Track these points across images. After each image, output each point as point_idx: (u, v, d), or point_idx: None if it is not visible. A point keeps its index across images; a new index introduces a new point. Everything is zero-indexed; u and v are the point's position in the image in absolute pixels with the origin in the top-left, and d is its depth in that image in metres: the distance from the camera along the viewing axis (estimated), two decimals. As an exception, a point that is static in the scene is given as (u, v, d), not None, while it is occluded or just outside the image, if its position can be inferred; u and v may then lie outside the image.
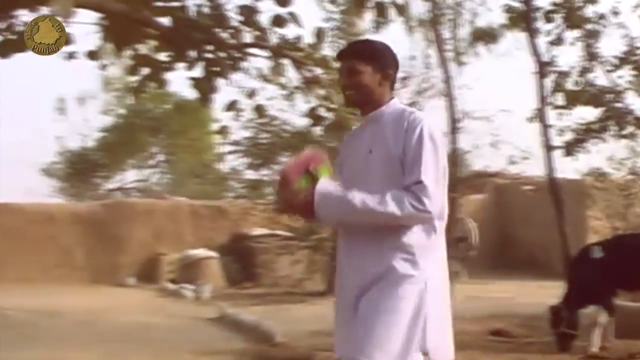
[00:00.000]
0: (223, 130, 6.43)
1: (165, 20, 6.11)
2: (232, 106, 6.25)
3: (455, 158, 9.51)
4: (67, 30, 5.92)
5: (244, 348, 8.72)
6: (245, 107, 6.61)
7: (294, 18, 6.07)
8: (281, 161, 10.07)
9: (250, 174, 11.43)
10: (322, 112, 6.44)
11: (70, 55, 6.60)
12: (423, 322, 3.10)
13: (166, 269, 17.57)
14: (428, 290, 3.14)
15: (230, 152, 10.67)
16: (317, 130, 7.94)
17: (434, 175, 3.12)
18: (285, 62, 6.14)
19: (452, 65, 11.88)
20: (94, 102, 50.82)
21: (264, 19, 6.24)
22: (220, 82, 6.09)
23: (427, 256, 3.18)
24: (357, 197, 3.10)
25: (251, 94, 6.40)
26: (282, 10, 6.09)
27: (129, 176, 30.39)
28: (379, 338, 3.07)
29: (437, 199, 3.12)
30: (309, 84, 6.00)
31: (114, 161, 29.74)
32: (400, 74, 3.65)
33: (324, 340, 9.00)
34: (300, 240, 14.28)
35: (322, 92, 6.13)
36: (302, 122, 8.56)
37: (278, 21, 6.12)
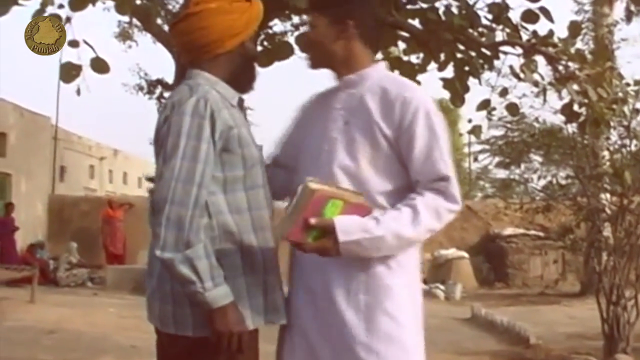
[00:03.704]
0: (475, 130, 6.40)
1: (415, 23, 6.20)
2: (484, 105, 6.23)
3: None
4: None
5: (499, 349, 8.65)
6: (496, 105, 6.55)
7: (545, 13, 5.93)
8: (532, 159, 9.85)
9: (501, 173, 11.28)
10: (577, 108, 6.24)
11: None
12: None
13: (417, 268, 17.78)
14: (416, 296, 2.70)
15: (480, 151, 10.60)
16: (571, 127, 7.69)
17: (452, 164, 2.60)
18: (538, 58, 6.01)
19: None
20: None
21: (514, 15, 6.16)
22: (471, 81, 6.10)
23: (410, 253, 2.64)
24: (387, 229, 2.46)
25: (503, 92, 6.33)
26: (532, 6, 5.98)
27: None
28: None
29: (459, 192, 2.60)
30: (563, 79, 5.83)
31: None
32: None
33: (581, 342, 8.74)
34: (554, 240, 13.89)
35: (576, 87, 5.94)
36: (555, 119, 8.33)
37: (529, 17, 6.01)
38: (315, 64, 2.75)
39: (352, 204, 2.47)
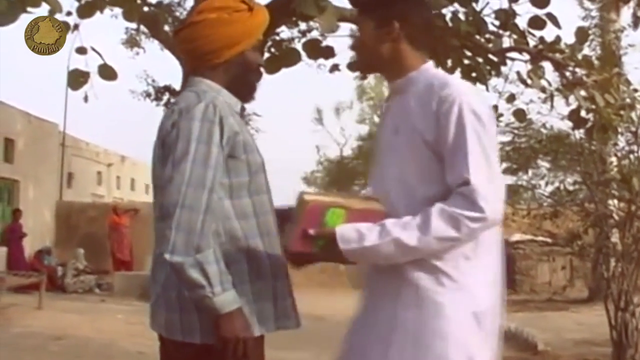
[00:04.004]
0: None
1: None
2: (491, 111, 6.22)
3: None
4: (331, 43, 6.20)
5: (507, 356, 8.61)
6: (504, 111, 6.56)
7: (552, 19, 5.93)
8: (540, 165, 9.82)
9: (508, 179, 11.24)
10: (584, 114, 6.23)
11: (333, 68, 6.90)
12: None
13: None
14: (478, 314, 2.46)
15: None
16: (578, 133, 7.69)
17: (486, 170, 2.33)
18: (545, 64, 6.01)
19: None
20: (350, 112, 52.68)
21: (521, 21, 6.17)
22: (478, 87, 6.09)
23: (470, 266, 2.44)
24: (388, 237, 2.32)
25: (510, 98, 6.33)
26: (539, 12, 5.98)
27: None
28: None
29: (494, 200, 2.35)
30: (571, 85, 5.82)
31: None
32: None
33: (589, 349, 8.70)
34: (562, 246, 13.85)
35: (584, 93, 5.93)
36: (562, 125, 8.33)
37: (536, 23, 6.00)
38: (363, 67, 2.77)
39: (357, 210, 2.41)
